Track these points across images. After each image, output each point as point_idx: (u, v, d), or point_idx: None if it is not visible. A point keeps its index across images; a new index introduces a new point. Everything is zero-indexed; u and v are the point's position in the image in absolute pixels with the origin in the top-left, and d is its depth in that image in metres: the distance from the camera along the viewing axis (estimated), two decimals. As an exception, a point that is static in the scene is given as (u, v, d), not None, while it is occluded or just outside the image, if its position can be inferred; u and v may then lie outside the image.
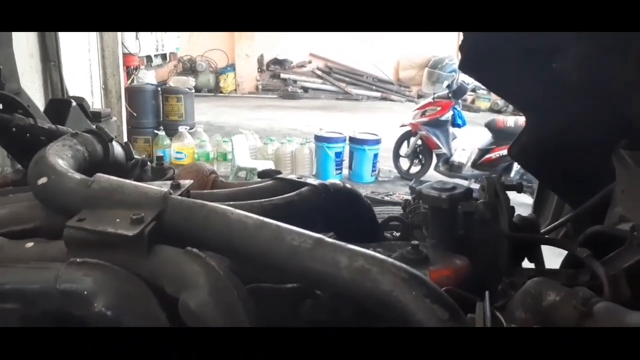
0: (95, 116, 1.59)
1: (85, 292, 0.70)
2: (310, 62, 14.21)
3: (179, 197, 0.87)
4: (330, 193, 1.09)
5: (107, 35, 4.29)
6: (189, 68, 13.27)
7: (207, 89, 13.44)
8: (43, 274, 0.73)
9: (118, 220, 0.79)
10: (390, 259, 0.75)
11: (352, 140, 6.72)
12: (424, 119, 6.60)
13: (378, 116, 11.13)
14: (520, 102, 1.68)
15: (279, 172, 1.20)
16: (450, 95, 6.43)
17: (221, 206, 0.86)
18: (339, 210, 1.10)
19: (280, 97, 13.35)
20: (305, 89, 13.81)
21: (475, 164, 6.20)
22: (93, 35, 4.15)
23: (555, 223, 1.51)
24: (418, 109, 6.89)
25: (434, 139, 6.51)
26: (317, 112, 11.57)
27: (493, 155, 5.95)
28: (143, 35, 8.86)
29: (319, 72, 14.06)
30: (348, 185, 1.20)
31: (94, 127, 1.16)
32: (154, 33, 10.67)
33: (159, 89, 7.64)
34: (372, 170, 6.74)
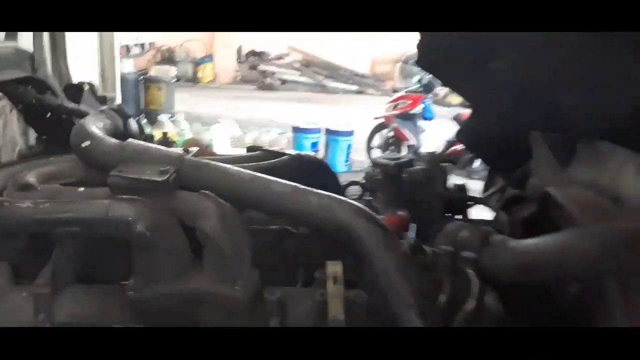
0: (103, 100, 1.85)
1: (130, 218, 0.99)
2: (288, 54, 14.42)
3: (191, 157, 1.17)
4: (303, 161, 1.40)
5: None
6: (167, 58, 13.37)
7: (186, 78, 13.56)
8: (97, 206, 1.02)
9: (148, 172, 1.08)
10: (348, 199, 1.06)
11: (328, 131, 7.03)
12: (396, 112, 6.95)
13: (354, 109, 11.44)
14: (465, 95, 2.01)
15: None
16: (421, 89, 6.79)
17: (222, 164, 1.16)
18: (311, 175, 1.40)
19: (258, 88, 13.55)
20: (283, 81, 14.02)
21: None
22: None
23: (489, 192, 1.84)
24: (391, 102, 7.23)
25: (405, 131, 6.87)
26: (295, 103, 11.82)
27: (459, 146, 6.33)
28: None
29: (297, 65, 14.30)
30: (318, 157, 1.51)
31: (115, 106, 1.44)
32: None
33: (141, 77, 7.81)
34: (346, 161, 7.06)
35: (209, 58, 14.09)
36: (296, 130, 6.94)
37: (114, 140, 1.18)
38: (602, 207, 1.16)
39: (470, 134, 1.99)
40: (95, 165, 1.19)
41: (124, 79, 7.41)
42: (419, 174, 1.44)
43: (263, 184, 1.10)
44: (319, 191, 1.07)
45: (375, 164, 1.44)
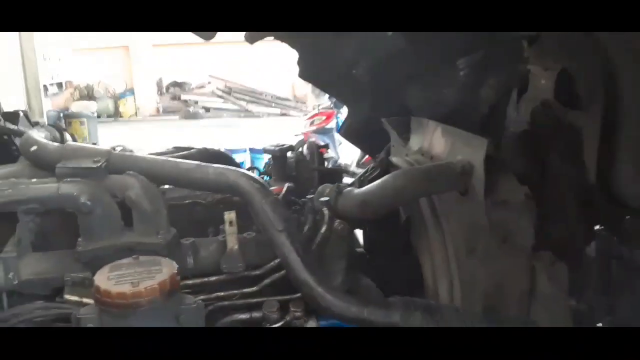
0: (36, 124, 2.18)
1: (75, 193, 1.36)
2: (209, 82, 14.77)
3: (117, 152, 1.55)
4: (208, 152, 1.82)
5: (28, 61, 4.70)
6: (87, 95, 13.36)
7: (107, 114, 13.56)
8: (50, 187, 1.38)
9: (85, 163, 1.46)
10: (235, 168, 1.49)
11: (252, 150, 7.44)
12: (313, 128, 7.49)
13: (278, 129, 11.94)
14: (339, 97, 2.51)
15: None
16: (332, 105, 7.38)
17: (141, 154, 1.55)
18: (214, 162, 1.82)
19: (182, 118, 13.77)
20: (207, 109, 14.33)
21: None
22: (18, 61, 4.54)
23: (363, 171, 2.34)
24: (307, 119, 7.78)
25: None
26: (220, 129, 12.16)
27: (372, 154, 6.94)
28: (38, 63, 8.98)
29: (219, 92, 14.66)
30: (223, 151, 1.94)
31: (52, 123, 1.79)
32: (46, 60, 10.73)
33: (61, 114, 7.91)
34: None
35: (129, 92, 14.17)
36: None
37: (55, 144, 1.55)
38: (420, 163, 1.66)
39: (347, 129, 2.49)
40: (42, 165, 1.54)
41: (46, 117, 7.50)
42: (300, 154, 1.90)
43: (173, 164, 1.51)
44: (214, 164, 1.49)
45: (265, 150, 1.88)
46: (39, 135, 1.63)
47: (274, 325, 1.42)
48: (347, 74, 2.20)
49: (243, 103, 14.49)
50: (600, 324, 1.55)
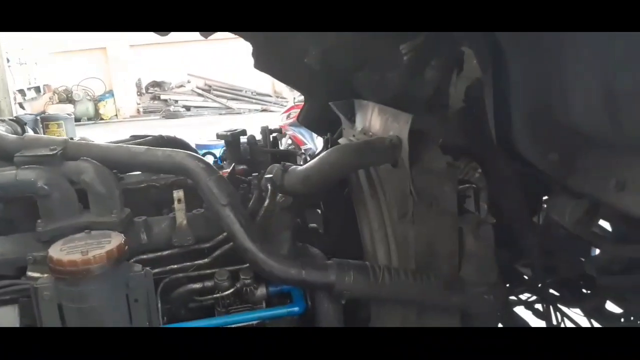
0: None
1: (32, 179, 1.47)
2: (189, 81, 14.80)
3: (73, 140, 1.66)
4: (164, 139, 1.94)
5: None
6: (66, 98, 13.33)
7: (87, 117, 13.55)
8: (8, 174, 1.49)
9: (42, 151, 1.57)
10: (182, 151, 1.60)
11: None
12: (290, 121, 7.59)
13: (258, 125, 12.00)
14: (295, 86, 2.63)
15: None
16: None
17: (95, 142, 1.66)
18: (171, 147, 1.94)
19: (163, 117, 13.80)
20: (188, 108, 14.36)
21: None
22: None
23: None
24: (284, 112, 7.88)
25: (300, 136, 7.52)
26: (201, 127, 12.21)
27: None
28: (14, 68, 9.00)
29: (198, 91, 14.70)
30: (179, 138, 2.05)
31: (13, 117, 1.89)
32: (23, 65, 10.71)
33: (38, 117, 7.93)
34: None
35: (109, 94, 14.15)
36: (200, 147, 7.37)
37: (14, 135, 1.66)
38: (360, 140, 1.78)
39: (305, 117, 2.61)
40: (2, 156, 1.65)
41: (21, 121, 7.53)
42: (252, 138, 2.02)
43: (125, 149, 1.62)
44: (163, 148, 1.61)
45: (218, 135, 2.00)
46: (-1, 128, 1.73)
47: (225, 293, 1.54)
48: (300, 63, 2.31)
49: (223, 100, 14.55)
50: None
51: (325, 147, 1.97)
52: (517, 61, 1.18)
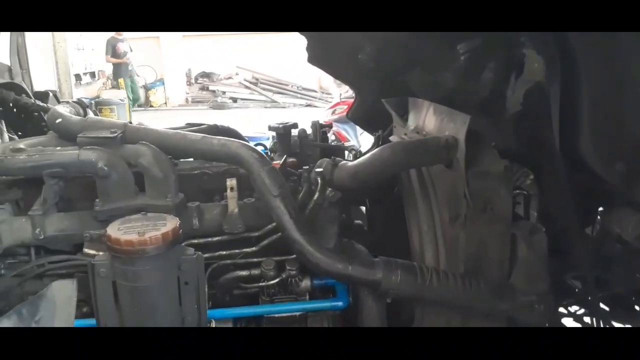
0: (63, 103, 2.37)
1: (93, 159, 1.52)
2: (237, 74, 14.98)
3: (132, 124, 1.71)
4: (218, 128, 1.96)
5: (59, 49, 4.98)
6: (118, 85, 13.74)
7: (138, 104, 13.92)
8: (71, 154, 1.54)
9: (103, 133, 1.62)
10: (237, 140, 1.62)
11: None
12: (335, 117, 7.59)
13: (303, 119, 12.07)
14: (349, 83, 2.62)
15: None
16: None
17: (153, 127, 1.70)
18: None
19: (210, 107, 14.04)
20: (234, 100, 14.55)
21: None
22: (49, 49, 4.79)
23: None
24: (330, 108, 7.88)
25: (344, 133, 7.50)
26: (247, 119, 12.37)
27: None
28: (71, 54, 9.33)
29: (246, 83, 14.87)
30: (232, 127, 2.08)
31: (76, 100, 1.97)
32: (80, 50, 11.12)
33: (92, 101, 8.22)
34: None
35: (159, 82, 14.49)
36: (249, 139, 7.48)
37: (78, 117, 1.72)
38: (412, 138, 1.76)
39: (355, 113, 2.60)
40: (66, 136, 1.71)
41: (77, 105, 7.82)
42: (303, 132, 2.03)
43: (181, 136, 1.65)
44: (219, 137, 1.63)
45: (270, 127, 2.02)
46: (64, 109, 1.80)
47: (271, 282, 1.56)
48: (353, 59, 2.30)
49: (269, 94, 14.66)
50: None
51: (375, 145, 1.95)
52: (589, 66, 1.14)
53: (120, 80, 10.85)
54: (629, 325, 1.83)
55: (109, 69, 12.40)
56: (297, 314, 1.56)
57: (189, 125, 1.99)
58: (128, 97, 10.38)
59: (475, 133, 1.45)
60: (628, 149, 1.17)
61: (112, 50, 10.88)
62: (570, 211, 1.69)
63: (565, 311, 1.97)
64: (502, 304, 1.46)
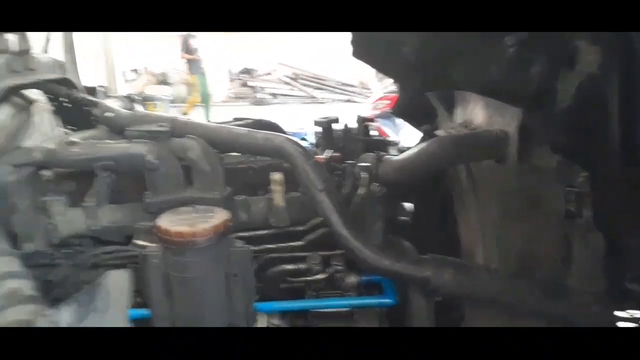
0: (113, 97, 2.43)
1: (143, 152, 1.55)
2: (276, 70, 15.07)
3: (180, 118, 1.73)
4: (262, 123, 1.97)
5: (107, 46, 5.14)
6: (162, 81, 14.01)
7: (180, 100, 14.17)
8: (121, 147, 1.58)
9: (152, 127, 1.65)
10: (281, 134, 1.62)
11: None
12: (377, 112, 7.53)
13: (343, 115, 12.02)
14: (393, 76, 2.58)
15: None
16: (396, 90, 7.39)
17: (201, 121, 1.72)
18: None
19: (251, 104, 14.18)
20: (274, 95, 14.65)
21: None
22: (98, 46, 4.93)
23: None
24: (371, 103, 7.83)
25: (386, 128, 7.44)
26: (286, 114, 12.42)
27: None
28: (116, 50, 9.56)
29: (286, 79, 14.94)
30: (275, 122, 2.09)
31: (125, 94, 2.01)
32: (125, 46, 11.41)
33: (137, 97, 8.42)
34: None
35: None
36: (294, 134, 7.53)
37: (127, 110, 1.75)
38: (460, 132, 1.72)
39: (399, 107, 2.56)
40: (115, 129, 1.75)
41: (122, 100, 8.04)
42: (347, 126, 2.01)
43: (227, 130, 1.66)
44: (263, 131, 1.63)
45: (315, 123, 2.02)
46: (113, 103, 1.84)
47: (317, 277, 1.55)
48: (397, 52, 2.26)
49: (309, 89, 14.69)
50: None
51: (423, 139, 1.91)
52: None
53: (192, 76, 10.68)
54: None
55: (152, 66, 12.69)
56: (344, 309, 1.55)
57: (236, 119, 2.00)
58: (201, 95, 10.30)
59: (526, 127, 1.40)
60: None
61: (186, 47, 10.59)
62: (627, 210, 1.62)
63: (623, 314, 1.89)
64: (557, 305, 1.41)
